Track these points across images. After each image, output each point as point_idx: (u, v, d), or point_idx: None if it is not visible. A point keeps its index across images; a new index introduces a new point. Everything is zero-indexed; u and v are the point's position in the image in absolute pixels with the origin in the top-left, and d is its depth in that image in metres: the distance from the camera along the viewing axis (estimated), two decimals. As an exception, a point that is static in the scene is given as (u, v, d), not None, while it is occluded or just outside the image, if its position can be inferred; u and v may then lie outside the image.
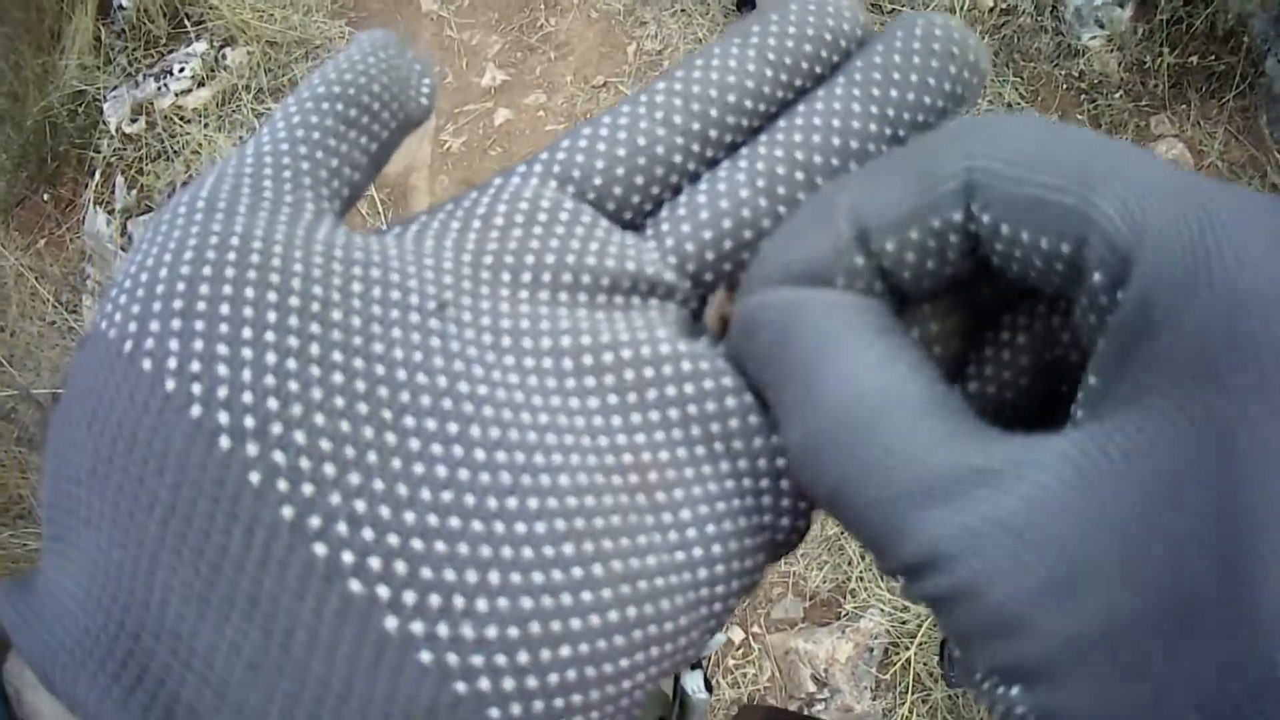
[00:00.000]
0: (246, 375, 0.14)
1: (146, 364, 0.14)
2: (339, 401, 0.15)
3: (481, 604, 0.14)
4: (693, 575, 0.16)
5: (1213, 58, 1.72)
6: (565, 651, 0.14)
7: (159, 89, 2.16)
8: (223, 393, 0.14)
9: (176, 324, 0.14)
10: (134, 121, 2.15)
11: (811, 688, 1.52)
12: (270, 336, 0.15)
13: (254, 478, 0.14)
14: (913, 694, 1.48)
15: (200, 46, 2.19)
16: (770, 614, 1.58)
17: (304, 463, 0.14)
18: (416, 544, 0.14)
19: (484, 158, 2.04)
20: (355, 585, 0.14)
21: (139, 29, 2.23)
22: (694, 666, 0.48)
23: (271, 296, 0.15)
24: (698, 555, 0.16)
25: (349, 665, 0.13)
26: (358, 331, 0.16)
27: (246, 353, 0.14)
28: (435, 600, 0.14)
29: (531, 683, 0.14)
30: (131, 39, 2.24)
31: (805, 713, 1.51)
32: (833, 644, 1.52)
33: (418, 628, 0.14)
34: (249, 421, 0.14)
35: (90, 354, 0.15)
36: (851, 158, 0.20)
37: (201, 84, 2.16)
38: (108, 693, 0.14)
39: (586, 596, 0.15)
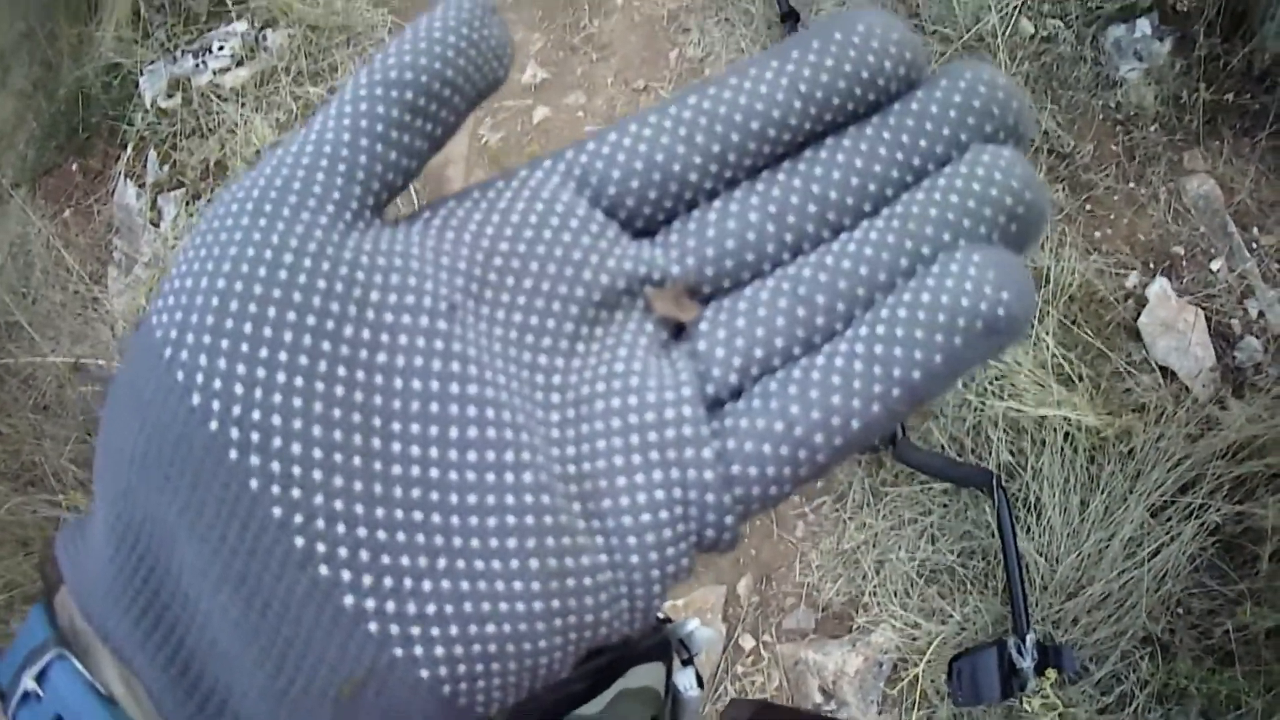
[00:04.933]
0: (258, 394, 0.17)
1: (180, 375, 0.17)
2: (336, 413, 0.17)
3: (426, 585, 0.17)
4: (618, 574, 0.19)
5: (1248, 96, 1.72)
6: (490, 629, 0.17)
7: (197, 66, 2.16)
8: (236, 410, 0.17)
9: (207, 340, 0.17)
10: (170, 97, 2.14)
11: (819, 699, 1.52)
12: (283, 357, 0.17)
13: (253, 484, 0.16)
14: (919, 710, 1.48)
15: (241, 26, 2.18)
16: (782, 624, 1.58)
17: (295, 470, 0.17)
18: (381, 535, 0.17)
19: (521, 154, 2.04)
20: (324, 570, 0.17)
21: (179, 5, 2.23)
22: (685, 663, 0.48)
23: (291, 317, 0.17)
24: (625, 558, 0.19)
25: (310, 632, 0.17)
26: (366, 345, 0.18)
27: (261, 373, 0.17)
28: (388, 582, 0.17)
29: (457, 651, 0.17)
30: (171, 14, 2.24)
31: (799, 708, 1.51)
32: (842, 656, 1.52)
33: (369, 604, 0.17)
34: (255, 436, 0.17)
35: (142, 342, 0.18)
36: (869, 199, 0.21)
37: (240, 64, 2.15)
38: (131, 632, 0.18)
39: (517, 585, 0.17)
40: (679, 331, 0.21)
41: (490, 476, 0.18)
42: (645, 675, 0.43)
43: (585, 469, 0.19)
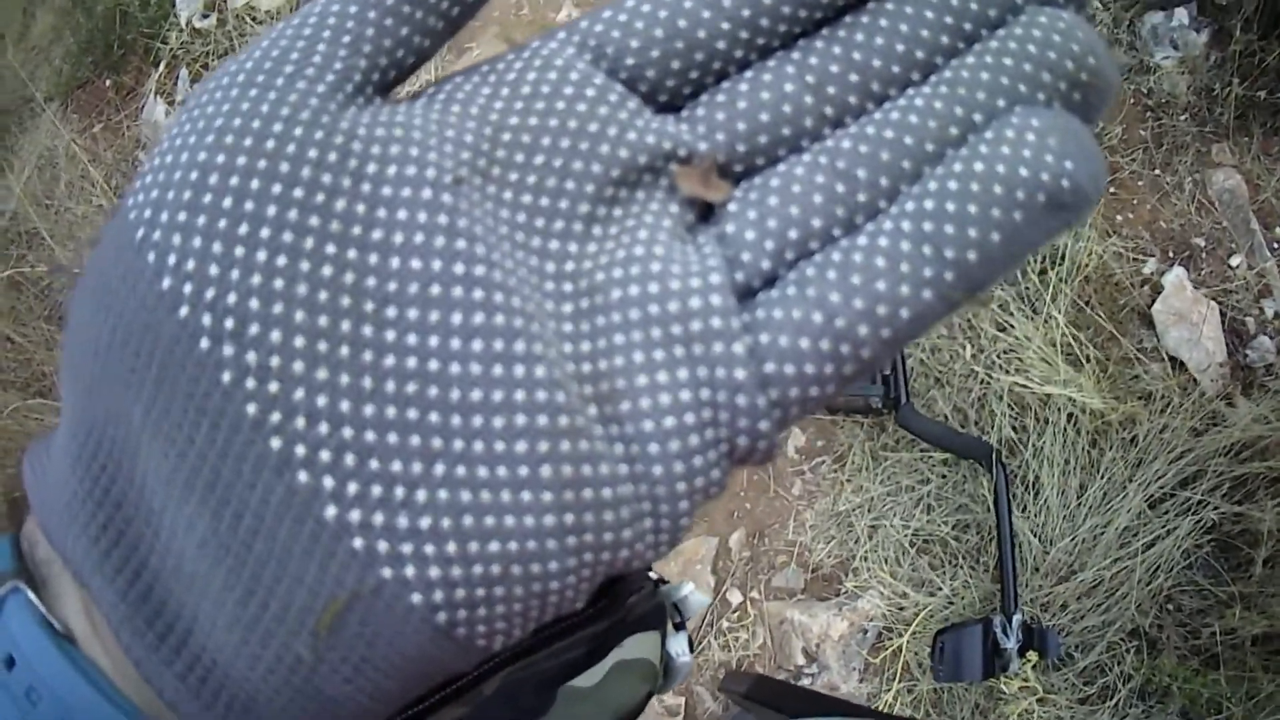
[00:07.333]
0: (235, 275, 0.15)
1: (151, 256, 0.15)
2: (322, 296, 0.15)
3: (420, 494, 0.15)
4: (640, 487, 0.16)
5: (1281, 96, 1.71)
6: (494, 547, 0.15)
7: (234, -12, 2.17)
8: (210, 294, 0.15)
9: (182, 217, 0.15)
10: (205, 17, 2.16)
11: (801, 661, 1.52)
12: (265, 233, 0.15)
13: (225, 377, 0.14)
14: (899, 682, 1.48)
15: (280, -50, 2.20)
16: (771, 581, 1.58)
17: (274, 361, 0.15)
18: (369, 436, 0.15)
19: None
20: (303, 476, 0.14)
21: (220, -73, 2.24)
22: (678, 627, 0.46)
23: (275, 189, 0.15)
24: (647, 468, 0.16)
25: (285, 549, 0.14)
26: (359, 219, 0.16)
27: (239, 251, 0.15)
28: (376, 490, 0.15)
29: (455, 573, 0.15)
30: (211, -64, 2.25)
31: (791, 683, 1.51)
32: (828, 620, 1.52)
33: (354, 516, 0.14)
34: (229, 323, 0.15)
35: (114, 229, 0.16)
36: (915, 67, 0.18)
37: (278, -13, 2.16)
38: (89, 551, 0.15)
39: (526, 496, 0.15)
40: (706, 213, 0.19)
41: (497, 369, 0.16)
42: (641, 646, 0.41)
43: (601, 367, 0.17)
